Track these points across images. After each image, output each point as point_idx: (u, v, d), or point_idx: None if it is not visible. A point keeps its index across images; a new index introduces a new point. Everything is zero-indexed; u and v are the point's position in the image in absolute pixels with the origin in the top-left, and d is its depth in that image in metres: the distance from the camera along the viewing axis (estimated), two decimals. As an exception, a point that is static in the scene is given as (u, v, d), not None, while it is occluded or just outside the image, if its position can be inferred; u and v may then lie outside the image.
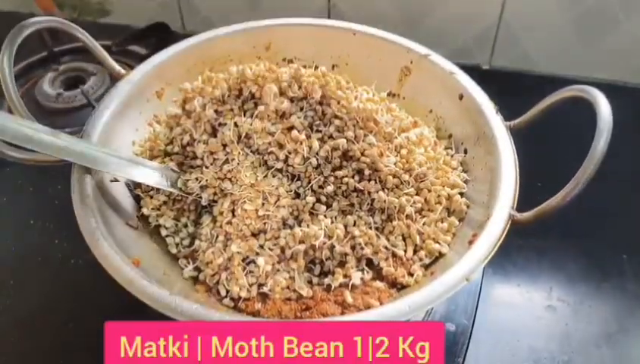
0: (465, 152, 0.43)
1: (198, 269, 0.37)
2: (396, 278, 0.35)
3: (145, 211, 0.39)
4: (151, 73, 0.45)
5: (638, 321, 0.44)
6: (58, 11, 0.78)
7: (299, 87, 0.40)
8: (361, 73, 0.46)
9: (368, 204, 0.38)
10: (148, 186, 0.40)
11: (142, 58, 0.48)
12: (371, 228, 0.37)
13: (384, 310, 0.31)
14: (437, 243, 0.37)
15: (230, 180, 0.39)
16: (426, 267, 0.37)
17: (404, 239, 0.37)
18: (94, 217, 0.34)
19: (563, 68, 0.66)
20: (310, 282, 0.36)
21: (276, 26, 0.50)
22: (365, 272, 0.36)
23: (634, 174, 0.54)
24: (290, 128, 0.39)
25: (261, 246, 0.37)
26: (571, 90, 0.36)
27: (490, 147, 0.39)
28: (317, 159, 0.39)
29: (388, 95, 0.46)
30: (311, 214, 0.38)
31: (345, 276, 0.36)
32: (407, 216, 0.38)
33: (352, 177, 0.39)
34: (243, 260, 0.37)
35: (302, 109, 0.40)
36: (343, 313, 0.34)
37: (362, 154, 0.39)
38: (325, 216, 0.38)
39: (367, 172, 0.38)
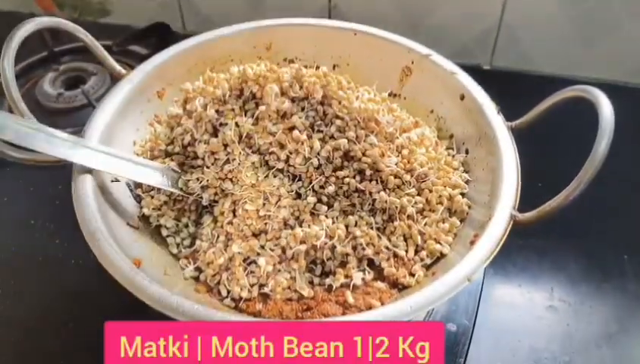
0: (467, 152, 0.43)
1: (199, 269, 0.37)
2: (398, 279, 0.35)
3: (145, 211, 0.39)
4: (152, 73, 0.45)
5: (638, 321, 0.44)
6: (58, 11, 0.78)
7: (301, 87, 0.40)
8: (362, 73, 0.46)
9: (369, 204, 0.38)
10: (149, 186, 0.40)
11: (142, 58, 0.48)
12: (372, 228, 0.37)
13: (385, 310, 0.31)
14: (439, 243, 0.37)
15: (231, 180, 0.39)
16: (427, 267, 0.37)
17: (405, 239, 0.37)
18: (95, 217, 0.34)
19: (563, 68, 0.66)
20: (311, 282, 0.36)
21: (277, 26, 0.50)
22: (367, 272, 0.36)
23: (634, 174, 0.54)
24: (292, 128, 0.39)
25: (262, 247, 0.37)
26: (573, 90, 0.36)
27: (491, 147, 0.39)
28: (318, 159, 0.38)
29: (389, 95, 0.46)
30: (312, 214, 0.38)
31: (346, 276, 0.36)
32: (408, 216, 0.38)
33: (354, 177, 0.38)
34: (244, 260, 0.37)
35: (303, 109, 0.39)
36: (344, 313, 0.34)
37: (364, 154, 0.38)
38: (326, 216, 0.38)
39: (368, 172, 0.38)
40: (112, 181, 0.39)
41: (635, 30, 0.61)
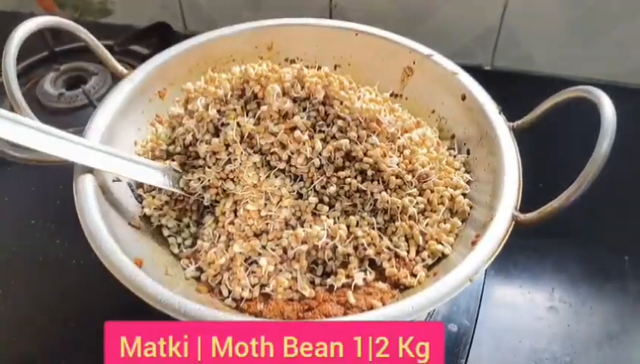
0: (468, 152, 0.43)
1: (200, 269, 0.37)
2: (399, 279, 0.35)
3: (147, 211, 0.39)
4: (153, 73, 0.45)
5: (639, 321, 0.44)
6: (59, 11, 0.78)
7: (302, 87, 0.40)
8: (363, 73, 0.46)
9: (370, 204, 0.38)
10: (150, 186, 0.40)
11: (143, 58, 0.48)
12: (373, 229, 0.37)
13: (386, 311, 0.31)
14: (440, 243, 0.37)
15: (232, 180, 0.39)
16: (429, 268, 0.37)
17: (407, 239, 0.37)
18: (96, 217, 0.34)
19: (564, 69, 0.66)
20: (312, 283, 0.36)
21: (278, 26, 0.50)
22: (368, 273, 0.36)
23: (635, 174, 0.54)
24: (293, 128, 0.39)
25: (264, 247, 0.37)
26: (575, 91, 0.36)
27: (493, 148, 0.39)
28: (320, 160, 0.38)
29: (391, 95, 0.46)
30: (313, 214, 0.38)
31: (347, 277, 0.36)
32: (410, 217, 0.38)
33: (355, 177, 0.38)
34: (246, 260, 0.36)
35: (305, 109, 0.39)
36: (345, 314, 0.34)
37: (365, 154, 0.38)
38: (328, 216, 0.38)
39: (370, 173, 0.38)
40: (113, 181, 0.39)
41: (636, 30, 0.61)
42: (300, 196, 0.39)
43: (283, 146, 0.39)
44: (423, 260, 0.37)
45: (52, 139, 0.35)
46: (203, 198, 0.40)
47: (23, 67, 0.66)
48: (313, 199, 0.38)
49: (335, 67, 0.50)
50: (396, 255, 0.36)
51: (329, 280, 0.36)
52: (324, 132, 0.39)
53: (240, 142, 0.39)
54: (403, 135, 0.40)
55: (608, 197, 0.46)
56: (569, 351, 0.42)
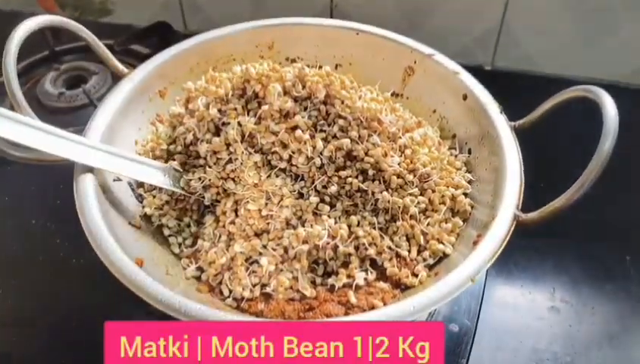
0: (470, 152, 0.43)
1: (200, 269, 0.37)
2: (400, 279, 0.35)
3: (147, 210, 0.39)
4: (153, 72, 0.45)
5: (641, 322, 0.44)
6: (59, 11, 0.78)
7: (303, 87, 0.40)
8: (364, 72, 0.46)
9: (372, 204, 0.38)
10: (150, 185, 0.40)
11: (144, 58, 0.47)
12: (375, 228, 0.37)
13: (388, 311, 0.31)
14: (442, 243, 0.37)
15: (233, 179, 0.39)
16: (430, 267, 0.37)
17: (408, 239, 0.37)
18: (96, 216, 0.34)
19: (565, 69, 0.65)
20: (313, 282, 0.36)
21: (279, 25, 0.50)
22: (369, 273, 0.36)
23: (637, 174, 0.54)
24: (294, 128, 0.39)
25: (265, 246, 0.37)
26: (577, 90, 0.36)
27: (494, 147, 0.39)
28: (321, 159, 0.38)
29: (392, 95, 0.46)
30: (314, 214, 0.38)
31: (349, 276, 0.36)
32: (411, 216, 0.37)
33: (356, 177, 0.38)
34: (246, 260, 0.36)
35: (306, 109, 0.39)
36: (346, 314, 0.33)
37: (366, 154, 0.38)
38: (329, 216, 0.38)
39: (371, 172, 0.38)
40: (114, 180, 0.39)
41: (637, 30, 0.61)
42: (301, 195, 0.39)
43: (284, 146, 0.39)
44: (424, 260, 0.37)
45: (53, 138, 0.35)
46: (204, 197, 0.40)
47: (23, 67, 0.66)
48: (314, 199, 0.38)
49: (336, 66, 0.49)
50: (398, 255, 0.36)
51: (330, 280, 0.36)
52: (325, 131, 0.39)
53: (241, 142, 0.39)
54: (404, 134, 0.40)
55: (610, 197, 0.46)
56: (570, 351, 0.42)
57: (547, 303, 0.45)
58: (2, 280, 0.46)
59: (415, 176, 0.39)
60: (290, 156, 0.39)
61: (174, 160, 0.41)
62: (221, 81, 0.41)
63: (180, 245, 0.39)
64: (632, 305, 0.45)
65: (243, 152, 0.39)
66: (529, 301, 0.45)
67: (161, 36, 0.70)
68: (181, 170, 0.41)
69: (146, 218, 0.40)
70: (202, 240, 0.38)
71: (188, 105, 0.42)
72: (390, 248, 0.36)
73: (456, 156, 0.43)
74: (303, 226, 0.37)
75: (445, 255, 0.37)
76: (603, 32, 0.62)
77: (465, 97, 0.43)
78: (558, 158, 0.53)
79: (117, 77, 0.45)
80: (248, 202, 0.38)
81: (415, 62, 0.47)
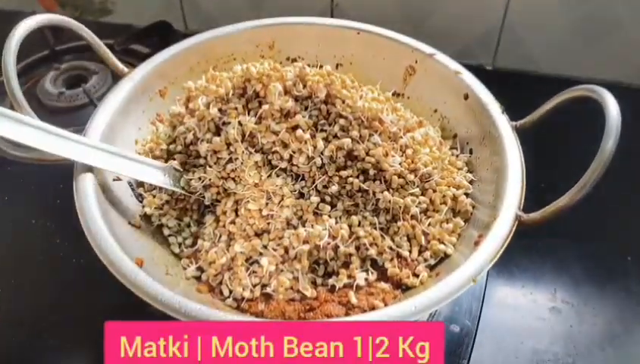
0: (471, 152, 0.42)
1: (200, 269, 0.37)
2: (401, 279, 0.35)
3: (147, 210, 0.39)
4: (154, 71, 0.45)
5: (642, 322, 0.44)
6: (60, 10, 0.78)
7: (304, 86, 0.40)
8: (365, 72, 0.46)
9: (372, 204, 0.38)
10: (150, 185, 0.40)
11: (144, 57, 0.47)
12: (375, 228, 0.37)
13: (389, 311, 0.31)
14: (443, 243, 0.37)
15: (233, 179, 0.39)
16: (431, 268, 0.37)
17: (409, 239, 0.37)
18: (96, 216, 0.34)
19: (566, 69, 0.65)
20: (314, 283, 0.36)
21: (279, 25, 0.50)
22: (370, 273, 0.36)
23: (638, 175, 0.54)
24: (295, 127, 0.39)
25: (265, 246, 0.37)
26: (579, 90, 0.36)
27: (496, 147, 0.39)
28: (321, 159, 0.38)
29: (393, 94, 0.46)
30: (315, 214, 0.38)
31: (349, 277, 0.35)
32: (412, 216, 0.37)
33: (357, 176, 0.38)
34: (247, 260, 0.36)
35: (306, 108, 0.39)
36: (347, 314, 0.33)
37: (367, 154, 0.38)
38: (330, 216, 0.37)
39: (372, 172, 0.38)
40: (114, 180, 0.39)
41: (638, 30, 0.61)
42: (302, 195, 0.39)
43: (285, 145, 0.39)
44: (425, 260, 0.36)
45: (52, 137, 0.35)
46: (204, 197, 0.40)
47: (23, 66, 0.66)
48: (315, 199, 0.38)
49: (337, 66, 0.49)
50: (399, 255, 0.36)
51: (331, 281, 0.36)
52: (325, 131, 0.39)
53: (242, 141, 0.39)
54: (406, 134, 0.40)
55: (611, 197, 0.45)
56: (571, 352, 0.42)
57: (548, 304, 0.45)
58: (2, 280, 0.46)
59: (416, 176, 0.38)
60: (291, 156, 0.39)
61: (174, 159, 0.41)
62: (221, 80, 0.41)
63: (180, 245, 0.39)
64: (633, 306, 0.45)
65: (243, 152, 0.39)
66: (530, 301, 0.45)
67: (162, 35, 0.70)
68: (181, 169, 0.40)
69: (146, 217, 0.39)
70: (202, 239, 0.38)
71: (188, 105, 0.42)
72: (391, 248, 0.36)
73: (457, 156, 0.43)
74: (304, 226, 0.37)
75: (446, 256, 0.37)
76: (604, 32, 0.62)
77: (466, 97, 0.43)
78: (560, 158, 0.53)
79: (117, 77, 0.45)
80: (248, 201, 0.37)
81: (416, 62, 0.47)
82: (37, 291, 0.46)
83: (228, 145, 0.39)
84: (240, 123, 0.39)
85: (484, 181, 0.39)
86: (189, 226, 0.40)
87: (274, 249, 0.36)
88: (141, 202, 0.40)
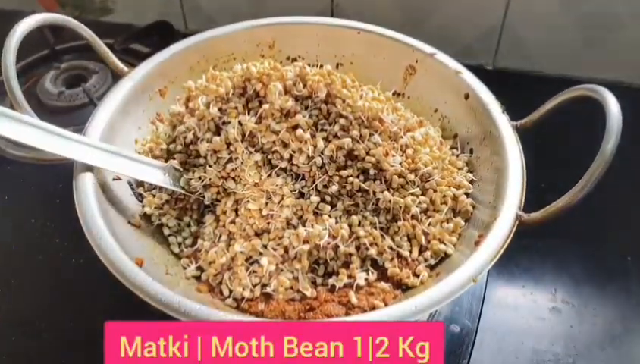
0: (471, 151, 0.42)
1: (200, 269, 0.37)
2: (402, 279, 0.35)
3: (147, 210, 0.39)
4: (154, 71, 0.45)
5: (642, 323, 0.44)
6: (60, 9, 0.78)
7: (304, 86, 0.39)
8: (365, 72, 0.46)
9: (373, 204, 0.38)
10: (150, 184, 0.40)
11: (144, 57, 0.47)
12: (376, 228, 0.37)
13: (389, 311, 0.31)
14: (443, 243, 0.37)
15: (233, 179, 0.39)
16: (431, 268, 0.36)
17: (409, 239, 0.37)
18: (95, 216, 0.34)
19: (566, 69, 0.65)
20: (314, 283, 0.36)
21: (280, 24, 0.50)
22: (370, 273, 0.36)
23: (638, 175, 0.54)
24: (295, 127, 0.39)
25: (265, 246, 0.37)
26: (580, 89, 0.36)
27: (496, 147, 0.39)
28: (322, 158, 0.38)
29: (393, 94, 0.46)
30: (315, 214, 0.38)
31: (349, 276, 0.35)
32: (412, 216, 0.37)
33: (357, 176, 0.38)
34: (247, 260, 0.36)
35: (306, 108, 0.39)
36: (347, 314, 0.33)
37: (367, 153, 0.38)
38: (330, 216, 0.37)
39: (372, 172, 0.38)
40: (113, 179, 0.39)
41: (638, 30, 0.61)
42: (302, 195, 0.39)
43: (285, 145, 0.39)
44: (426, 260, 0.36)
45: (52, 136, 0.35)
46: (204, 197, 0.39)
47: (23, 66, 0.66)
48: (315, 198, 0.38)
49: (337, 65, 0.49)
50: (399, 255, 0.36)
51: (331, 280, 0.35)
52: (326, 131, 0.39)
53: (242, 141, 0.39)
54: (406, 134, 0.40)
55: (611, 197, 0.45)
56: (572, 352, 0.42)
57: (549, 304, 0.45)
58: (2, 279, 0.46)
59: (416, 175, 0.38)
60: (291, 155, 0.39)
61: (174, 159, 0.41)
62: (221, 80, 0.41)
63: (180, 244, 0.39)
64: (633, 306, 0.45)
65: (243, 151, 0.39)
66: (530, 302, 0.45)
67: (162, 35, 0.69)
68: (181, 169, 0.40)
69: (146, 217, 0.39)
70: (202, 239, 0.38)
71: (188, 104, 0.42)
72: (391, 248, 0.36)
73: (457, 156, 0.43)
74: (304, 226, 0.37)
75: (446, 256, 0.37)
76: (605, 31, 0.62)
77: (466, 96, 0.43)
78: (560, 157, 0.53)
79: (117, 76, 0.45)
80: (248, 201, 0.37)
81: (416, 61, 0.47)
82: (37, 291, 0.46)
83: (228, 144, 0.39)
84: (240, 122, 0.39)
85: (485, 181, 0.39)
86: (189, 225, 0.40)
87: (274, 249, 0.36)
88: (141, 201, 0.40)
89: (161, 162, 0.40)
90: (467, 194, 0.39)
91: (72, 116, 0.59)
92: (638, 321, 0.44)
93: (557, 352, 0.42)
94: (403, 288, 0.35)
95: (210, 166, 0.39)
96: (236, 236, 0.37)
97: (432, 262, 0.36)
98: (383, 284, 0.35)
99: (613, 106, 0.33)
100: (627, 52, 0.63)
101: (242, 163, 0.38)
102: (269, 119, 0.39)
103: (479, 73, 0.44)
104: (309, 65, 0.42)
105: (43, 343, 0.42)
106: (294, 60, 0.49)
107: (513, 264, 0.48)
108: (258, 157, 0.39)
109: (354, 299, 0.34)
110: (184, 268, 0.37)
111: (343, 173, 0.38)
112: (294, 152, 0.38)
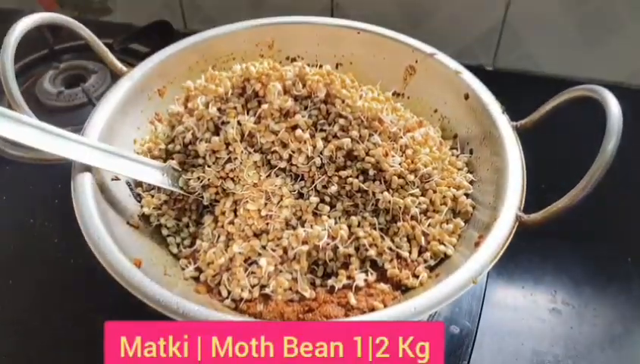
0: (471, 152, 0.42)
1: (199, 270, 0.37)
2: (401, 280, 0.35)
3: (146, 210, 0.39)
4: (153, 71, 0.45)
5: (643, 323, 0.44)
6: (59, 9, 0.78)
7: (304, 86, 0.39)
8: (365, 72, 0.46)
9: (372, 204, 0.38)
10: (149, 185, 0.40)
11: (143, 57, 0.47)
12: (375, 229, 0.37)
13: (388, 312, 0.31)
14: (443, 244, 0.37)
15: (232, 179, 0.39)
16: (431, 269, 0.36)
17: (409, 240, 0.37)
18: (94, 216, 0.34)
19: (566, 69, 0.65)
20: (313, 283, 0.36)
21: (279, 24, 0.50)
22: (369, 274, 0.36)
23: (638, 175, 0.54)
24: (294, 127, 0.39)
25: (264, 247, 0.37)
26: (580, 90, 0.36)
27: (496, 147, 0.39)
28: (321, 159, 0.38)
29: (393, 94, 0.46)
30: (314, 214, 0.38)
31: (348, 277, 0.35)
32: (412, 217, 0.37)
33: (357, 177, 0.38)
34: (245, 261, 0.36)
35: (306, 108, 0.39)
36: (346, 315, 0.33)
37: (367, 154, 0.38)
38: (329, 216, 0.37)
39: (371, 172, 0.38)
40: (112, 180, 0.39)
41: (638, 30, 0.61)
42: (301, 195, 0.39)
43: (284, 145, 0.39)
44: (425, 261, 0.36)
45: (51, 137, 0.35)
46: (203, 197, 0.39)
47: (22, 65, 0.66)
48: (314, 199, 0.38)
49: (337, 65, 0.49)
50: (398, 256, 0.36)
51: (330, 281, 0.35)
52: (325, 131, 0.39)
53: (241, 141, 0.39)
54: (406, 134, 0.40)
55: (611, 198, 0.45)
56: (572, 353, 0.42)
57: (549, 305, 0.45)
58: (1, 279, 0.46)
59: (416, 176, 0.38)
60: (290, 156, 0.38)
61: (172, 159, 0.40)
62: (220, 80, 0.41)
63: (178, 245, 0.39)
64: (633, 307, 0.45)
65: (242, 152, 0.38)
66: (530, 303, 0.45)
67: (161, 35, 0.69)
68: (180, 169, 0.40)
69: (145, 217, 0.39)
70: (201, 240, 0.38)
71: (187, 104, 0.42)
72: (390, 249, 0.36)
73: (457, 156, 0.42)
74: (303, 226, 0.37)
75: (446, 257, 0.37)
76: (605, 32, 0.62)
77: (466, 97, 0.43)
78: (560, 158, 0.53)
79: (116, 76, 0.45)
80: (247, 202, 0.37)
81: (416, 61, 0.47)
82: (37, 291, 0.46)
83: (227, 144, 0.39)
84: (239, 122, 0.39)
85: (485, 182, 0.39)
86: (187, 226, 0.40)
87: (273, 250, 0.36)
88: (139, 201, 0.40)
89: (159, 162, 0.40)
90: (467, 195, 0.39)
91: (71, 116, 0.59)
92: (638, 322, 0.44)
93: (557, 353, 0.42)
94: (403, 289, 0.35)
95: (209, 166, 0.39)
96: (234, 236, 0.37)
97: (432, 262, 0.36)
98: (382, 285, 0.35)
99: (613, 106, 0.33)
100: (627, 53, 0.63)
101: (241, 163, 0.38)
102: (268, 119, 0.39)
103: (479, 73, 0.44)
104: (309, 65, 0.42)
105: (43, 343, 0.42)
106: (294, 60, 0.49)
107: (513, 264, 0.48)
108: (257, 157, 0.39)
109: (353, 301, 0.34)
110: (183, 269, 0.37)
111: (343, 173, 0.38)
112: (293, 152, 0.38)
